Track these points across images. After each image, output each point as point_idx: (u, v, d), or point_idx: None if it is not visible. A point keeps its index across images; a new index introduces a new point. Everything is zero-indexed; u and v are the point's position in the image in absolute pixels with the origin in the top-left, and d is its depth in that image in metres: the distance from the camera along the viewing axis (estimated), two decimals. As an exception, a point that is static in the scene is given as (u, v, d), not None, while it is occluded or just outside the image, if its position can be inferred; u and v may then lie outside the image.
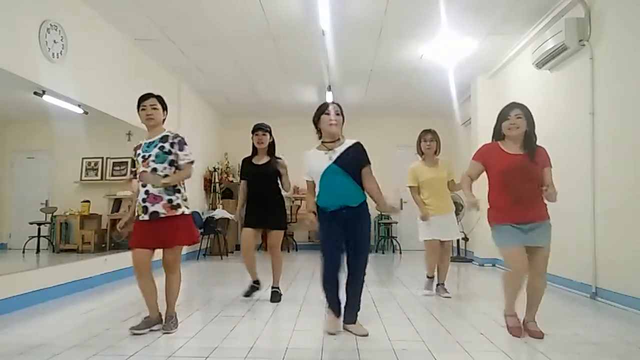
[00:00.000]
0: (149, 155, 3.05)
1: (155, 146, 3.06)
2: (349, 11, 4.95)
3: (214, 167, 8.99)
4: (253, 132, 4.15)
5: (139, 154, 3.11)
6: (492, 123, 3.13)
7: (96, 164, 5.67)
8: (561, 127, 4.82)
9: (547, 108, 5.06)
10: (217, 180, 8.90)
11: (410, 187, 4.44)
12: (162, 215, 2.98)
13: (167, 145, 3.05)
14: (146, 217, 2.99)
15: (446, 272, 4.46)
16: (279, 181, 4.11)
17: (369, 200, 3.09)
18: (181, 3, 4.76)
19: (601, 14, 4.22)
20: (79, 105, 4.68)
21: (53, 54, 4.18)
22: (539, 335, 2.91)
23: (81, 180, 5.56)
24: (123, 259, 5.07)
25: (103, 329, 3.09)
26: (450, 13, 4.93)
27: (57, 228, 5.25)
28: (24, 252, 4.81)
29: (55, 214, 5.17)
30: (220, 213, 8.03)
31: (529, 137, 2.97)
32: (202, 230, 7.95)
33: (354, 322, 3.06)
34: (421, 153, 4.42)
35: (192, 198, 7.94)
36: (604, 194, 4.15)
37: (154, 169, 3.02)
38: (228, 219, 7.98)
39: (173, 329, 3.04)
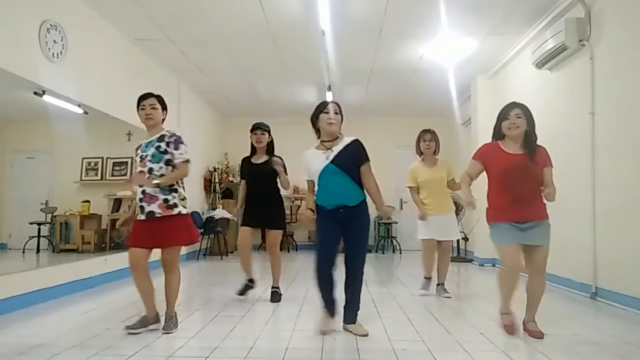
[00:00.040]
0: (146, 155, 3.05)
1: (152, 146, 3.06)
2: (349, 11, 4.95)
3: (214, 167, 8.99)
4: (252, 131, 4.15)
5: (138, 154, 3.11)
6: (492, 123, 3.13)
7: (96, 164, 5.67)
8: (561, 127, 4.82)
9: (547, 108, 5.06)
10: (217, 180, 8.90)
11: (409, 187, 4.44)
12: (158, 215, 2.97)
13: (163, 145, 3.04)
14: (143, 217, 3.00)
15: (446, 272, 4.46)
16: (278, 180, 4.10)
17: (369, 198, 3.08)
18: (181, 3, 4.76)
19: (601, 14, 4.22)
20: (79, 105, 4.68)
21: (53, 54, 4.18)
22: (539, 335, 2.91)
23: (81, 180, 5.57)
24: (123, 259, 5.02)
25: (103, 329, 3.09)
26: (450, 13, 4.93)
27: (57, 228, 5.25)
28: (24, 252, 4.81)
29: (55, 214, 5.17)
30: (220, 213, 8.03)
31: (529, 137, 2.96)
32: (202, 230, 7.95)
33: (354, 322, 3.06)
34: (420, 153, 4.42)
35: (192, 198, 7.94)
36: (604, 194, 4.16)
37: (150, 169, 3.02)
38: (228, 219, 7.99)
39: (173, 329, 3.04)
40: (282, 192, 4.17)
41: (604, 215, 4.15)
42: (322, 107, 3.08)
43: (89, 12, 4.83)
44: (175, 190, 3.05)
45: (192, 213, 8.21)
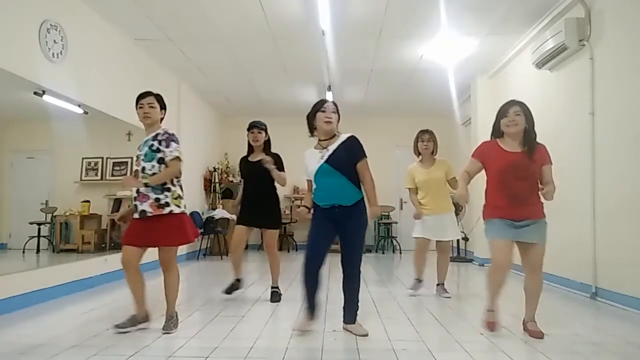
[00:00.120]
0: (141, 154, 3.06)
1: (147, 145, 3.06)
2: (349, 11, 4.95)
3: (214, 167, 8.99)
4: (249, 129, 4.14)
5: (136, 153, 3.13)
6: (492, 123, 3.13)
7: (96, 164, 5.67)
8: (561, 127, 4.82)
9: (547, 108, 5.06)
10: (217, 180, 8.90)
11: (408, 188, 4.45)
12: (149, 214, 2.97)
13: (155, 144, 3.03)
14: (137, 216, 3.01)
15: (446, 272, 4.46)
16: (272, 180, 4.08)
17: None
18: (181, 3, 4.76)
19: (601, 14, 4.22)
20: (79, 105, 4.68)
21: (53, 54, 4.18)
22: (539, 335, 2.91)
23: (81, 180, 5.56)
24: (123, 259, 5.06)
25: (103, 329, 3.08)
26: (450, 13, 4.94)
27: (57, 228, 5.25)
28: (24, 252, 4.81)
29: (55, 214, 5.17)
30: (220, 213, 8.04)
31: (529, 135, 2.96)
32: (202, 230, 7.95)
33: (354, 322, 3.06)
34: (418, 153, 4.42)
35: (192, 198, 7.99)
36: (604, 193, 4.16)
37: (143, 168, 3.02)
38: (228, 219, 7.99)
39: (173, 329, 3.04)
40: (283, 190, 4.16)
41: (604, 215, 4.15)
42: (319, 106, 3.06)
43: (89, 12, 4.83)
44: (168, 190, 3.02)
45: (192, 213, 8.21)
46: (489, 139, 3.17)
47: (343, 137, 3.04)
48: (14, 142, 4.88)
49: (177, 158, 3.04)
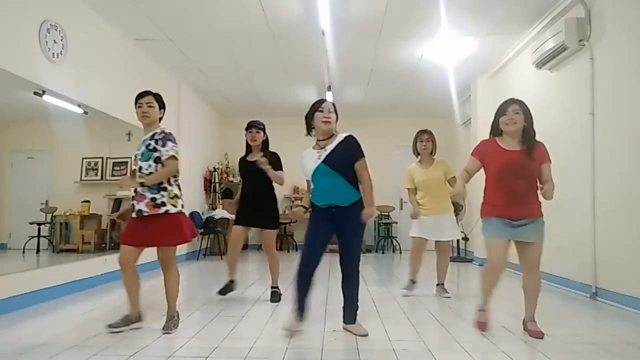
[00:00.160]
0: (139, 154, 3.07)
1: (144, 144, 3.07)
2: (349, 11, 4.95)
3: (214, 167, 9.00)
4: (247, 129, 4.15)
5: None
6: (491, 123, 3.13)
7: (96, 164, 5.67)
8: (561, 127, 4.83)
9: (547, 108, 5.07)
10: (217, 180, 8.90)
11: (407, 188, 4.45)
12: (145, 214, 2.97)
13: (152, 143, 3.03)
14: (134, 215, 3.01)
15: (445, 272, 4.46)
16: (270, 179, 4.07)
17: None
18: (181, 3, 4.76)
19: (601, 14, 4.22)
20: (79, 105, 4.69)
21: (53, 54, 4.18)
22: (539, 335, 2.91)
23: (81, 180, 5.56)
24: (123, 259, 5.06)
25: (103, 329, 3.07)
26: (450, 13, 4.94)
27: (57, 228, 5.24)
28: (24, 252, 4.81)
29: (55, 214, 5.17)
30: (220, 213, 8.04)
31: (527, 133, 2.95)
32: (202, 230, 7.96)
33: (354, 322, 3.05)
34: (417, 154, 4.42)
35: (192, 198, 7.99)
36: (604, 193, 4.16)
37: (140, 167, 3.02)
38: (228, 219, 7.99)
39: (172, 330, 3.04)
40: (283, 190, 4.16)
41: (604, 215, 4.15)
42: (317, 106, 3.05)
43: (89, 12, 4.83)
44: (165, 189, 3.01)
45: (192, 213, 8.20)
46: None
47: (341, 136, 3.02)
48: (14, 142, 4.88)
49: (173, 157, 3.02)
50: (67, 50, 4.37)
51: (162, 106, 3.19)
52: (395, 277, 5.86)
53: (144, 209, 2.97)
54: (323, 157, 2.96)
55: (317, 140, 3.09)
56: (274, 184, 4.10)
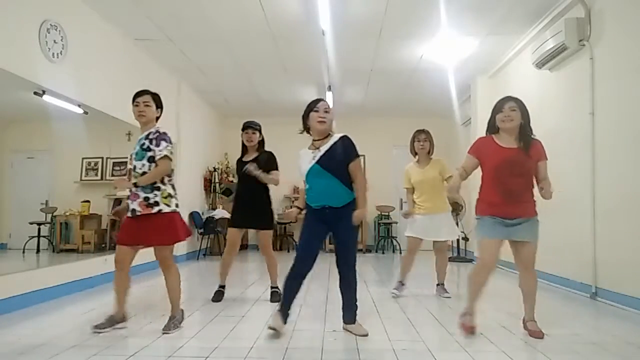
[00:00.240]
0: (133, 152, 3.07)
1: (139, 143, 3.07)
2: (349, 11, 4.95)
3: (214, 167, 9.00)
4: (243, 130, 4.15)
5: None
6: (490, 121, 3.13)
7: (96, 164, 5.68)
8: (561, 127, 4.83)
9: (547, 108, 5.07)
10: (217, 180, 8.90)
11: (405, 188, 4.45)
12: (139, 213, 2.98)
13: (147, 142, 3.04)
14: (129, 214, 3.02)
15: (445, 272, 4.46)
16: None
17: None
18: (181, 3, 4.76)
19: (601, 14, 4.22)
20: (79, 105, 4.68)
21: (53, 54, 4.18)
22: (539, 335, 2.91)
23: (81, 180, 5.57)
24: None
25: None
26: (450, 13, 4.93)
27: (57, 228, 5.25)
28: (24, 252, 4.82)
29: (55, 214, 5.18)
30: (220, 213, 8.04)
31: (524, 130, 2.95)
32: (202, 230, 7.95)
33: (354, 322, 3.05)
34: (414, 153, 4.42)
35: (192, 198, 7.98)
36: (604, 193, 4.16)
37: (134, 167, 3.03)
38: (228, 218, 7.97)
39: (172, 330, 3.03)
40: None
41: (604, 215, 4.15)
42: (312, 105, 3.04)
43: (89, 12, 4.83)
44: (158, 188, 3.01)
45: (192, 213, 8.19)
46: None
47: (336, 137, 3.01)
48: (14, 142, 4.89)
49: (167, 157, 3.02)
50: (67, 50, 4.37)
51: (159, 106, 3.19)
52: (395, 277, 5.85)
53: (137, 208, 2.98)
54: (317, 158, 2.95)
55: (313, 140, 3.09)
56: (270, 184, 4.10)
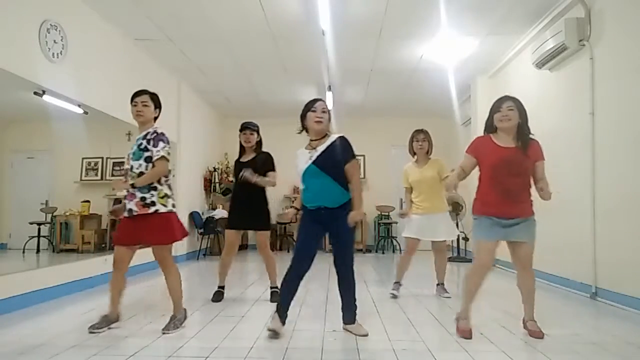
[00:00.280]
0: (130, 152, 3.08)
1: (136, 143, 3.08)
2: (349, 11, 4.95)
3: (214, 167, 9.00)
4: (241, 130, 4.15)
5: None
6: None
7: (96, 164, 5.68)
8: (561, 127, 4.83)
9: (547, 108, 5.07)
10: (217, 180, 8.90)
11: (404, 187, 4.46)
12: (135, 213, 2.98)
13: (144, 142, 3.04)
14: (126, 214, 3.03)
15: (444, 272, 4.46)
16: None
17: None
18: (181, 3, 4.76)
19: (601, 14, 4.22)
20: (79, 105, 4.68)
21: (53, 54, 4.18)
22: (539, 335, 2.91)
23: (81, 180, 5.57)
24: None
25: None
26: (450, 13, 4.93)
27: (57, 228, 5.25)
28: (24, 252, 4.82)
29: (55, 214, 5.17)
30: (220, 213, 8.03)
31: (522, 130, 2.95)
32: (202, 230, 7.95)
33: (353, 323, 3.05)
34: (413, 153, 4.42)
35: (192, 198, 7.98)
36: (604, 193, 4.16)
37: (131, 166, 3.04)
38: (226, 219, 7.98)
39: (172, 330, 3.03)
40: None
41: (604, 215, 4.15)
42: (310, 105, 3.04)
43: (89, 12, 4.83)
44: (154, 188, 3.02)
45: (192, 213, 8.18)
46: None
47: (332, 137, 3.01)
48: (14, 142, 4.89)
49: (164, 158, 3.02)
50: (67, 50, 4.37)
51: (157, 106, 3.19)
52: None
53: (134, 208, 2.99)
54: (314, 158, 2.95)
55: (310, 140, 3.08)
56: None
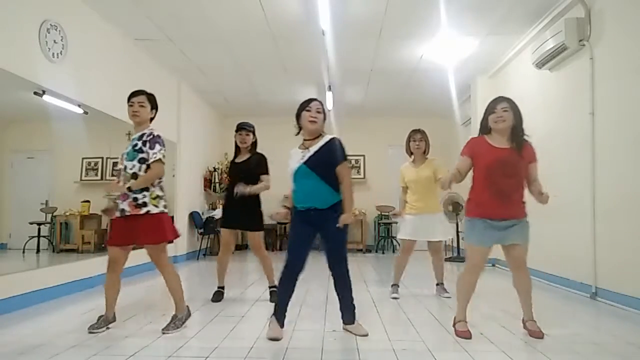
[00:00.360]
0: (125, 152, 3.09)
1: (131, 143, 3.08)
2: (349, 11, 4.95)
3: (214, 167, 8.99)
4: (236, 131, 4.17)
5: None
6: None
7: (96, 164, 5.67)
8: (561, 127, 4.83)
9: (547, 108, 5.06)
10: (217, 180, 8.90)
11: (401, 187, 4.46)
12: (127, 213, 2.99)
13: (139, 143, 3.04)
14: (118, 214, 3.04)
15: (442, 272, 4.46)
16: (258, 180, 4.04)
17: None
18: (181, 3, 4.76)
19: (601, 14, 4.22)
20: (79, 105, 4.69)
21: (53, 54, 4.18)
22: (539, 335, 2.91)
23: (81, 180, 5.56)
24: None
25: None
26: (450, 13, 4.93)
27: (57, 228, 5.25)
28: (24, 252, 4.81)
29: (55, 214, 5.17)
30: (220, 213, 8.02)
31: (516, 131, 2.95)
32: (202, 230, 7.95)
33: (353, 322, 3.05)
34: (410, 153, 4.42)
35: (192, 198, 7.98)
36: (604, 194, 4.15)
37: (125, 167, 3.05)
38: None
39: (171, 330, 3.03)
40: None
41: (604, 215, 4.15)
42: (305, 105, 3.02)
43: (89, 12, 4.83)
44: (147, 189, 3.02)
45: (192, 213, 8.16)
46: None
47: (326, 138, 3.00)
48: (14, 142, 4.88)
49: (160, 160, 3.03)
50: (67, 50, 4.37)
51: (154, 107, 3.19)
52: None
53: (127, 208, 3.00)
54: (305, 158, 2.94)
55: (304, 139, 3.07)
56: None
